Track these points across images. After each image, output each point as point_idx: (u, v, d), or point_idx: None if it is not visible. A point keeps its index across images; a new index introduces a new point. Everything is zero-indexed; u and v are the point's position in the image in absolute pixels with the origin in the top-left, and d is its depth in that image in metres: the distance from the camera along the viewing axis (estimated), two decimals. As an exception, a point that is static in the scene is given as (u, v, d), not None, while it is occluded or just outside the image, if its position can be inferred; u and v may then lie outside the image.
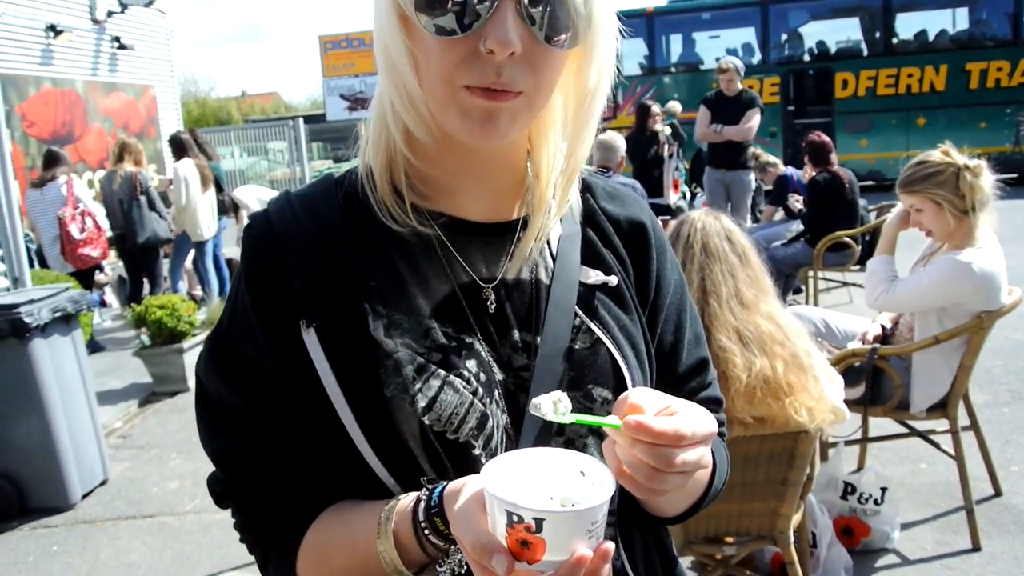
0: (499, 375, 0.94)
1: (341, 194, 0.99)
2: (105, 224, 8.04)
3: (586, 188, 1.07)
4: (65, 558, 4.02)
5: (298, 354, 0.90)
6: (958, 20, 15.07)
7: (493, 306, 0.96)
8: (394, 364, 0.89)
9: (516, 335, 0.96)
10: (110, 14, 13.66)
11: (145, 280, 8.42)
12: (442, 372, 0.90)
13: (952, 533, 3.49)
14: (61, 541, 4.20)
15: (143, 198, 7.82)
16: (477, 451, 0.90)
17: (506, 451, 0.90)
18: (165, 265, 8.67)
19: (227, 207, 9.48)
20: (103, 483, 4.83)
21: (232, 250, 9.37)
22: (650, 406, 0.76)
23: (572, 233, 1.02)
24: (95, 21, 13.50)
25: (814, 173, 6.97)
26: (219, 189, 8.89)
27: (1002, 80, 14.11)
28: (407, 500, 0.86)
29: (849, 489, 3.40)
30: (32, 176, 9.45)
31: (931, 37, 14.91)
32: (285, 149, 22.06)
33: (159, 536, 4.18)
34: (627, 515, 0.99)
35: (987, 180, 3.01)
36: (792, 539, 2.62)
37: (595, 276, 0.99)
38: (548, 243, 1.02)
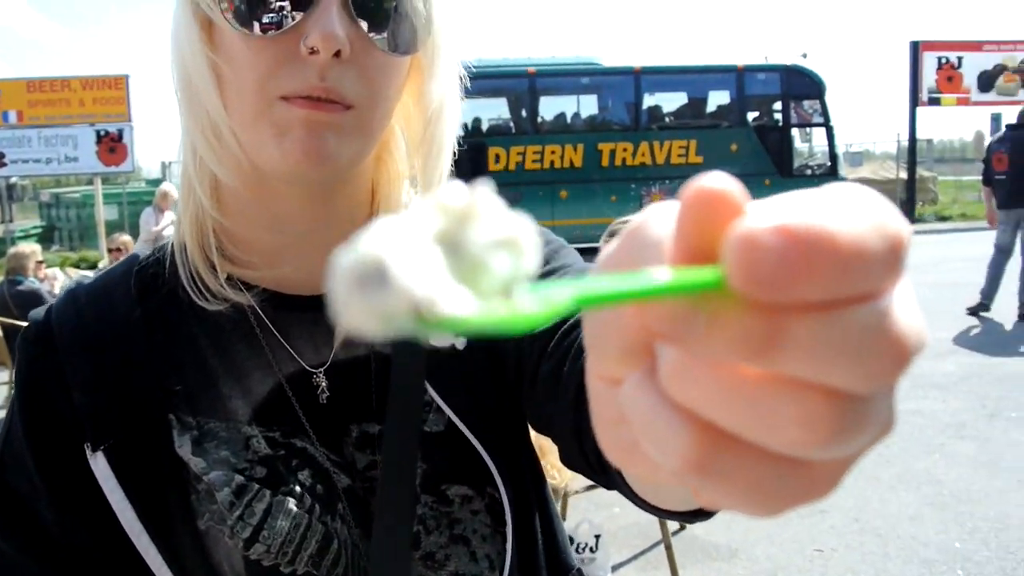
0: (344, 481, 0.75)
1: (139, 277, 0.78)
2: None
3: None
4: None
5: (86, 487, 0.69)
6: (589, 105, 16.98)
7: (326, 395, 0.77)
8: (206, 489, 0.70)
9: (356, 428, 0.77)
10: None
11: None
12: (267, 492, 0.71)
13: (653, 569, 3.74)
14: None
15: None
16: None
17: (358, 572, 0.74)
18: None
19: None
20: None
21: None
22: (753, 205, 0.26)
23: None
24: None
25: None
26: None
27: (627, 159, 16.11)
28: None
29: (568, 540, 3.53)
30: None
31: (568, 119, 16.62)
32: None
33: None
34: None
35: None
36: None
37: (445, 337, 0.78)
38: None
